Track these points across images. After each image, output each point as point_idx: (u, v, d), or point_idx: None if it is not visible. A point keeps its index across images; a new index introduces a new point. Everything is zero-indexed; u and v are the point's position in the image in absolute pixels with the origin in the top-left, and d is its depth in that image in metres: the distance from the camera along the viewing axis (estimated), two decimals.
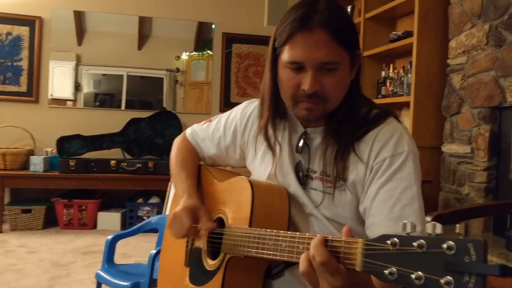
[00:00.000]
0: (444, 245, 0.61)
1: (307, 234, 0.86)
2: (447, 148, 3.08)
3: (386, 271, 0.67)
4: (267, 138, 1.16)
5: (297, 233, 0.88)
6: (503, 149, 2.70)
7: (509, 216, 2.60)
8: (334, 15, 1.01)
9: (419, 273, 0.62)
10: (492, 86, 2.68)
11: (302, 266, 0.81)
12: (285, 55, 1.02)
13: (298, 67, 1.01)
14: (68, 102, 5.09)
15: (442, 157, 3.13)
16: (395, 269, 0.66)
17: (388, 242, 0.68)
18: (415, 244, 0.64)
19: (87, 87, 5.18)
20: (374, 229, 1.01)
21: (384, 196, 1.01)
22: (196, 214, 1.16)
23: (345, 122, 1.07)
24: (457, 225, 0.61)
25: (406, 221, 0.68)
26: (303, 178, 1.11)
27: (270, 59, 1.09)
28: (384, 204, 1.00)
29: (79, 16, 5.03)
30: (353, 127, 1.06)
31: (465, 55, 2.93)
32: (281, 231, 0.92)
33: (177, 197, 1.28)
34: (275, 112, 1.14)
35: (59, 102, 5.06)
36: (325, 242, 0.79)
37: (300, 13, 1.01)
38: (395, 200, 0.99)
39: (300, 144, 1.13)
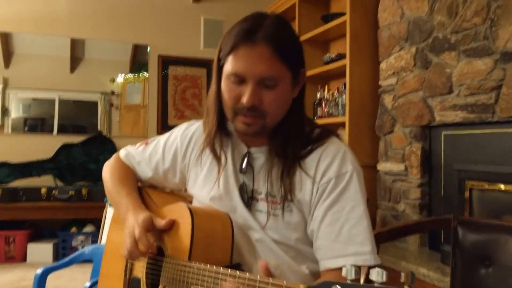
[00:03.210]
0: None
1: (247, 274, 0.82)
2: (382, 166, 3.17)
3: None
4: (213, 149, 1.12)
5: (238, 272, 0.85)
6: (434, 166, 2.82)
7: (442, 231, 2.70)
8: (279, 32, 1.01)
9: None
10: (421, 106, 2.80)
11: None
12: (228, 66, 1.02)
13: (239, 79, 1.01)
14: None
15: (378, 175, 3.22)
16: None
17: None
18: None
19: (16, 112, 4.91)
20: (323, 252, 1.00)
21: (332, 218, 1.00)
22: (151, 225, 1.06)
23: (288, 140, 1.06)
24: (402, 274, 0.60)
25: (348, 266, 0.66)
26: (248, 200, 1.08)
27: (215, 70, 1.08)
28: (332, 227, 1.00)
29: (5, 38, 4.79)
30: (297, 145, 1.06)
31: (395, 76, 3.05)
32: (221, 268, 0.88)
33: (119, 217, 1.20)
34: (220, 123, 1.11)
35: None
36: None
37: (245, 25, 1.01)
38: (343, 221, 0.99)
39: (244, 164, 1.10)
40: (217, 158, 1.13)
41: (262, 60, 0.98)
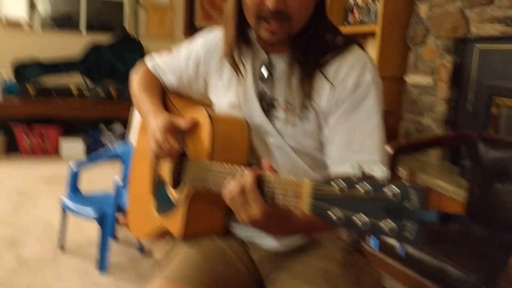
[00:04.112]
0: (387, 190, 0.62)
1: (261, 171, 0.86)
2: (410, 78, 3.11)
3: (331, 213, 0.68)
4: (232, 59, 1.12)
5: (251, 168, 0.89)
6: (464, 81, 2.76)
7: (465, 147, 2.70)
8: None
9: (363, 216, 0.64)
10: (458, 17, 2.68)
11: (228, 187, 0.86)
12: None
13: None
14: (23, 23, 4.82)
15: (404, 87, 3.18)
16: (340, 212, 0.67)
17: (334, 184, 0.69)
18: (359, 187, 0.65)
19: (43, 7, 4.89)
20: (333, 157, 1.03)
21: (345, 125, 1.01)
22: (172, 127, 1.08)
23: (310, 47, 1.05)
24: (400, 168, 0.63)
25: (353, 163, 0.69)
26: (267, 107, 1.10)
27: None
28: (345, 134, 1.01)
29: None
30: (318, 52, 1.05)
31: None
32: (238, 167, 0.92)
33: (144, 121, 1.24)
34: (240, 32, 1.10)
35: (13, 24, 4.79)
36: (258, 177, 0.83)
37: None
38: (356, 130, 1.00)
39: (263, 71, 1.11)
40: (235, 68, 1.13)
41: None
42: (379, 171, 0.65)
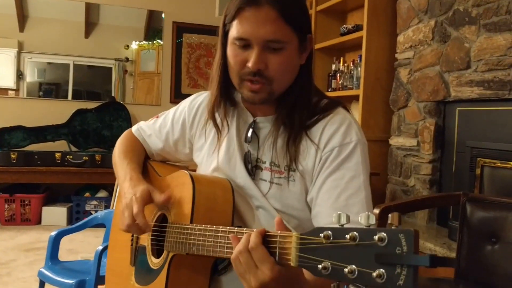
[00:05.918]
0: (376, 237, 0.60)
1: (245, 229, 0.84)
2: (394, 141, 3.15)
3: (320, 266, 0.66)
4: (213, 118, 1.12)
5: (236, 228, 0.86)
6: (447, 143, 2.80)
7: (451, 207, 2.69)
8: None
9: (352, 266, 0.62)
10: (437, 81, 2.76)
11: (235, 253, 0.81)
12: (233, 31, 1.01)
13: (244, 44, 0.99)
14: (10, 92, 4.86)
15: (389, 150, 3.20)
16: (328, 263, 0.65)
17: (321, 235, 0.67)
18: (347, 236, 0.63)
19: (31, 76, 4.95)
20: (320, 219, 1.01)
21: (330, 185, 1.00)
22: (148, 199, 1.06)
23: (295, 110, 1.05)
24: (389, 215, 0.61)
25: (340, 213, 0.67)
26: (252, 169, 1.09)
27: (221, 37, 1.06)
28: (330, 193, 1.00)
29: (20, 1, 4.79)
30: (304, 115, 1.05)
31: (412, 50, 3.00)
32: (221, 227, 0.89)
33: (120, 187, 1.22)
34: (224, 91, 1.10)
35: (0, 91, 4.82)
36: (263, 234, 0.79)
37: None
38: (341, 189, 0.99)
39: (249, 133, 1.10)
40: (216, 127, 1.13)
41: (267, 22, 0.97)
42: (366, 219, 0.64)
